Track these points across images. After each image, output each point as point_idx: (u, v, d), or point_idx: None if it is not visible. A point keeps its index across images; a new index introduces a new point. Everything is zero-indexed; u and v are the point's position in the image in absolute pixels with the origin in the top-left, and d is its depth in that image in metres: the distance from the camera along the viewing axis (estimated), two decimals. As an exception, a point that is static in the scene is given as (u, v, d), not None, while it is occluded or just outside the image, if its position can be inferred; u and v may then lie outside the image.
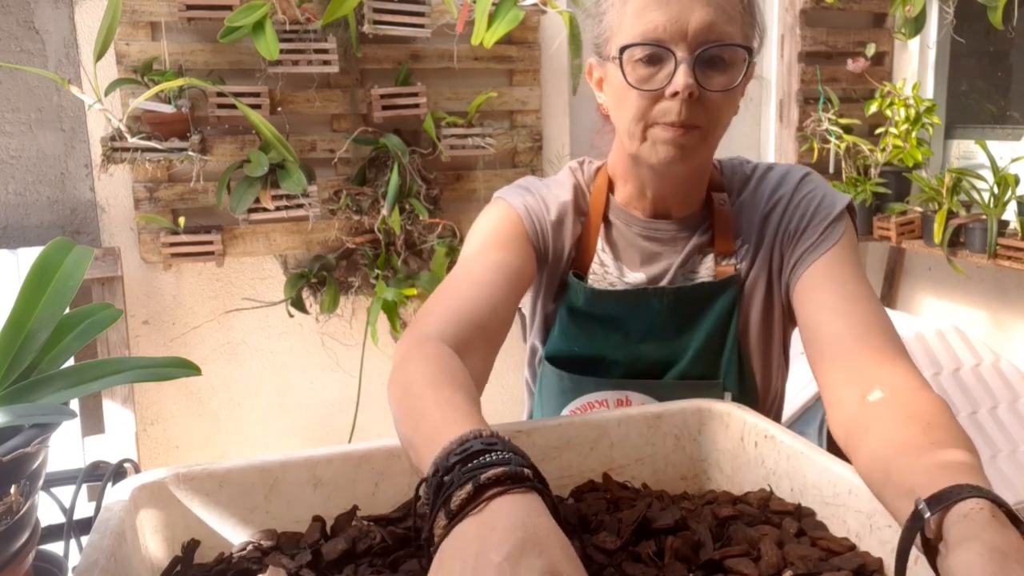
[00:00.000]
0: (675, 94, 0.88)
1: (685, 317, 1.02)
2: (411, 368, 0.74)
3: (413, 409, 0.68)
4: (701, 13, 0.87)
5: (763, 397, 1.07)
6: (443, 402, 0.67)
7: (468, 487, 0.52)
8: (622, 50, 0.90)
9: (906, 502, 0.60)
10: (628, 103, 0.92)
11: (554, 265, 1.04)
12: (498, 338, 0.91)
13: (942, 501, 0.55)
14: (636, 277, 1.03)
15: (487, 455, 0.54)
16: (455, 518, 0.52)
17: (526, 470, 0.54)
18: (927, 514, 0.55)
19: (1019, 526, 0.54)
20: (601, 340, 1.03)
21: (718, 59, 0.89)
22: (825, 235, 0.96)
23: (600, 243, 1.05)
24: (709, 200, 1.04)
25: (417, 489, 0.58)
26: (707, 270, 1.03)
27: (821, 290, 0.93)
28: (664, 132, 0.91)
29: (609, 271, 1.04)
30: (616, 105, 0.96)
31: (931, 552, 0.56)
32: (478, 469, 0.53)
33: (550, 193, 1.05)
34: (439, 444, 0.58)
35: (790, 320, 1.03)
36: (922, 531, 0.56)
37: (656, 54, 0.89)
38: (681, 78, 0.87)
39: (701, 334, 1.01)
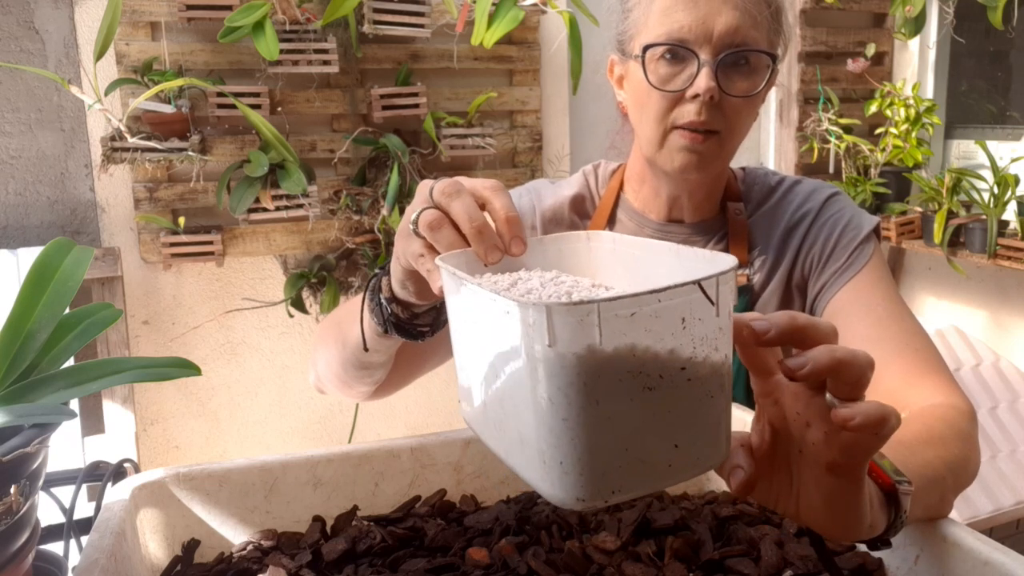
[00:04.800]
0: (696, 96, 0.87)
1: None
2: (322, 323, 0.92)
3: (328, 324, 0.88)
4: (727, 16, 0.86)
5: None
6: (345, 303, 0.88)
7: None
8: (645, 48, 0.89)
9: None
10: (649, 104, 0.91)
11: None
12: None
13: None
14: None
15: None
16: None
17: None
18: None
19: (896, 505, 0.53)
20: None
21: (742, 64, 0.89)
22: (852, 259, 0.95)
23: None
24: (725, 208, 1.02)
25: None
26: None
27: (850, 319, 0.92)
28: (682, 139, 0.90)
29: None
30: (636, 105, 0.94)
31: None
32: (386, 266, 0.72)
33: (553, 191, 1.03)
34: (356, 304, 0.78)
35: None
36: None
37: (679, 54, 0.88)
38: (703, 80, 0.86)
39: None
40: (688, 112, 0.88)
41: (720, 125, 0.89)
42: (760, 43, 0.89)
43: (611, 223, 1.04)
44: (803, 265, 0.99)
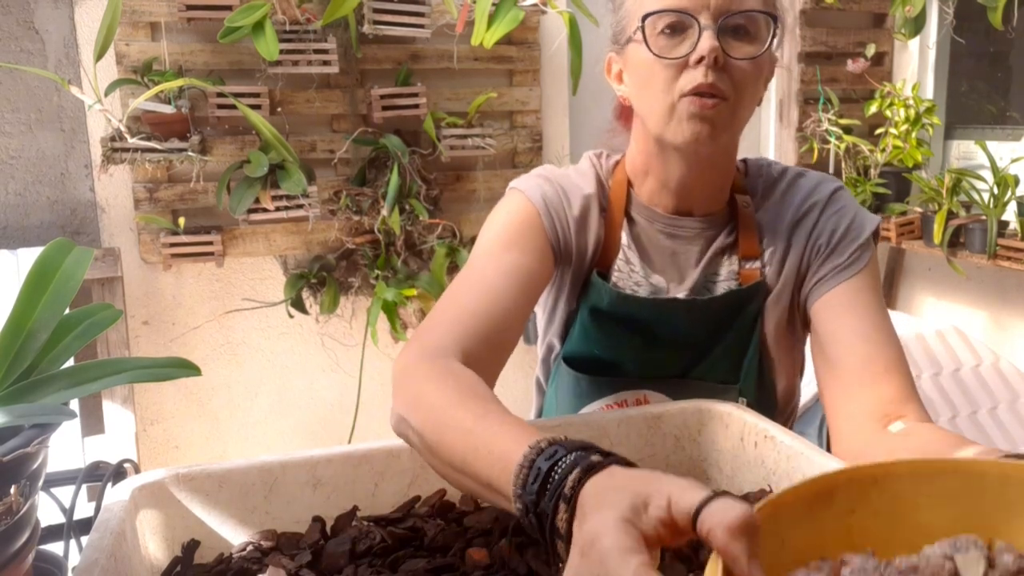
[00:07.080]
0: (700, 59, 0.86)
1: (712, 325, 1.00)
2: (425, 387, 0.73)
3: (451, 428, 0.67)
4: None
5: (782, 404, 1.06)
6: (482, 418, 0.66)
7: (563, 507, 0.53)
8: (644, 18, 0.88)
9: None
10: (653, 78, 0.90)
11: (578, 263, 1.01)
12: (507, 349, 0.89)
13: None
14: (659, 279, 1.01)
15: (559, 465, 0.55)
16: (566, 533, 0.52)
17: (594, 456, 0.54)
18: None
19: None
20: (623, 343, 1.01)
21: (742, 28, 0.88)
22: (854, 258, 0.96)
23: (626, 238, 1.01)
24: (733, 201, 1.02)
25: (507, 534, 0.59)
26: (730, 272, 1.01)
27: (849, 313, 0.93)
28: (691, 105, 0.88)
29: (635, 269, 1.01)
30: (640, 84, 0.93)
31: None
32: (560, 486, 0.53)
33: (572, 184, 1.01)
34: (506, 465, 0.58)
35: (806, 327, 1.02)
36: None
37: (680, 22, 0.87)
38: (706, 42, 0.86)
39: (725, 341, 1.00)
40: (695, 77, 0.87)
41: (728, 90, 0.88)
42: (757, 6, 0.89)
43: (628, 221, 1.02)
44: (809, 254, 0.99)
